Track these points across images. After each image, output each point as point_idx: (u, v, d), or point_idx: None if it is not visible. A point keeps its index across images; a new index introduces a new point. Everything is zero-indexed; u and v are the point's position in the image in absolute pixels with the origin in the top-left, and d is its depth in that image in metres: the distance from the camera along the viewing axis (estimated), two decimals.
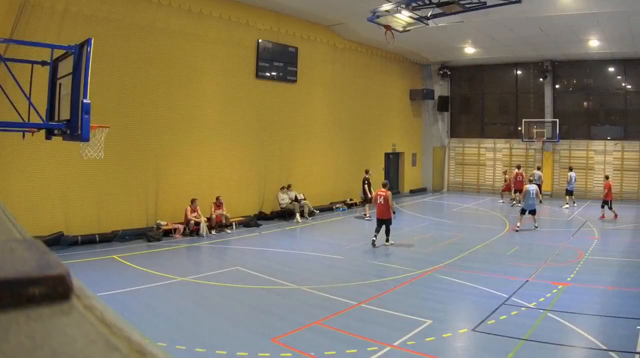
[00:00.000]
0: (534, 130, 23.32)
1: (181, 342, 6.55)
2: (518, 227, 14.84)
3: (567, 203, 20.00)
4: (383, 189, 12.87)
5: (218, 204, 14.54)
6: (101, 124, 8.53)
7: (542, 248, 12.59)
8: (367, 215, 17.33)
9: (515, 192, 20.96)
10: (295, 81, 18.08)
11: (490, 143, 25.62)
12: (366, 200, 17.82)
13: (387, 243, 12.78)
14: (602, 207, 17.57)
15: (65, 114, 5.80)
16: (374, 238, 12.78)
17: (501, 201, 22.10)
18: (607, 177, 18.19)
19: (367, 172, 18.21)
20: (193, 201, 13.96)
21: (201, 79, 15.05)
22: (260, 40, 16.68)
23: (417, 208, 21.05)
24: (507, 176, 22.62)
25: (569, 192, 20.17)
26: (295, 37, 17.92)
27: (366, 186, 17.90)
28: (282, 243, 13.41)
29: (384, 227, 12.79)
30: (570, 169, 20.87)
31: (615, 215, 17.23)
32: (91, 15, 12.14)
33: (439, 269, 10.62)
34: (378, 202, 12.82)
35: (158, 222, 13.72)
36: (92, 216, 12.57)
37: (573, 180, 20.17)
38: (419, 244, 13.43)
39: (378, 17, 12.66)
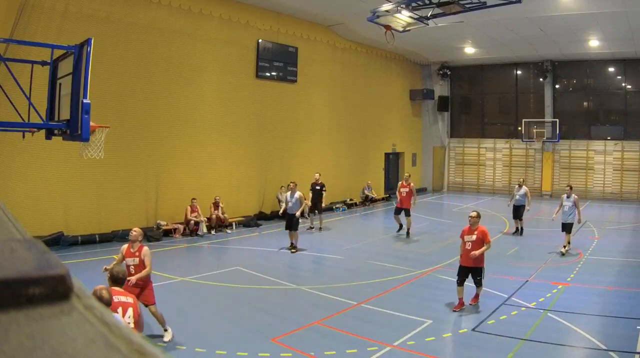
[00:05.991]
0: (534, 130, 23.32)
1: (181, 342, 6.56)
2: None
3: (565, 246, 12.08)
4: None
5: (215, 204, 14.55)
6: (101, 124, 8.49)
7: (542, 248, 12.59)
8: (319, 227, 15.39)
9: (398, 212, 14.28)
10: (295, 81, 18.08)
11: (490, 143, 25.62)
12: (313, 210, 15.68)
13: None
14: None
15: (65, 114, 5.80)
16: None
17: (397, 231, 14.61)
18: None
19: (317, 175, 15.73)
20: (193, 201, 13.99)
21: (201, 79, 15.05)
22: (260, 40, 16.68)
23: (417, 208, 20.99)
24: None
25: (566, 227, 12.00)
26: (295, 37, 17.92)
27: (311, 193, 15.53)
28: (282, 243, 13.40)
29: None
30: (567, 194, 12.20)
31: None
32: (91, 15, 12.14)
33: (439, 269, 10.62)
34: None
35: (158, 222, 13.73)
36: (92, 216, 12.57)
37: (567, 209, 11.96)
38: (419, 244, 13.43)
39: (378, 17, 12.66)
